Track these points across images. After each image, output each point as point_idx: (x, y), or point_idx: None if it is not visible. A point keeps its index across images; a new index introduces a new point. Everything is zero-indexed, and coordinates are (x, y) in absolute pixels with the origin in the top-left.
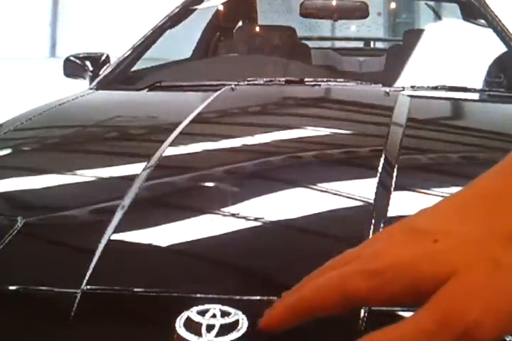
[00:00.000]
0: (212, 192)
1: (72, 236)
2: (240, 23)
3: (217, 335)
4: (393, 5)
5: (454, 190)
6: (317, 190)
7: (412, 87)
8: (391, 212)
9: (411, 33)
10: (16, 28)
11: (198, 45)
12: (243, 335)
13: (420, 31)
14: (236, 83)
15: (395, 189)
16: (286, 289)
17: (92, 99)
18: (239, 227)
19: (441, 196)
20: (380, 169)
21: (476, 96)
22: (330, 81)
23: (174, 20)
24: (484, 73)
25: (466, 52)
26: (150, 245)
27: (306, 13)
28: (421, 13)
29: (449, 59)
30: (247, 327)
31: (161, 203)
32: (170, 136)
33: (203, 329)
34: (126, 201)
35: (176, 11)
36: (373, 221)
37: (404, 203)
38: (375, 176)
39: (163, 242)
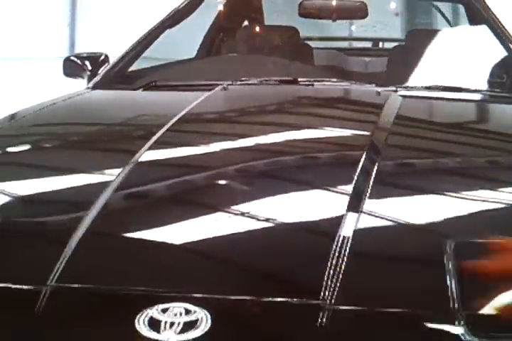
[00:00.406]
0: (189, 193)
1: (45, 235)
2: (246, 24)
3: (179, 333)
4: (411, 5)
5: (433, 188)
6: (294, 188)
7: (405, 87)
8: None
9: (414, 33)
10: (35, 28)
11: (202, 46)
12: (205, 333)
13: (423, 31)
14: (229, 83)
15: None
16: (251, 288)
17: (85, 98)
18: (206, 227)
19: (421, 194)
20: (355, 178)
21: (470, 96)
22: (324, 81)
23: (173, 19)
24: (485, 74)
25: (467, 53)
26: (121, 243)
27: (305, 13)
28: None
29: (449, 59)
30: (210, 326)
31: (135, 202)
32: (154, 135)
33: (164, 326)
34: (102, 200)
35: (175, 10)
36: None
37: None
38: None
39: (134, 241)
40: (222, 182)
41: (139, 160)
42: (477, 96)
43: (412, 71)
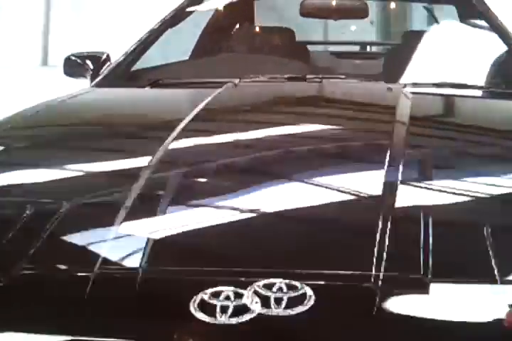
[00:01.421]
0: (219, 185)
1: (87, 222)
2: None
3: (230, 316)
4: (386, 14)
5: (459, 183)
6: (323, 184)
7: (414, 83)
8: (398, 204)
9: (409, 34)
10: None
11: (197, 46)
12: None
13: (418, 32)
14: (238, 80)
15: (402, 182)
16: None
17: (95, 96)
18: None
19: (446, 190)
20: (386, 163)
21: (476, 92)
22: (332, 78)
23: (176, 18)
24: (484, 71)
25: (464, 51)
26: (161, 228)
27: (306, 12)
28: (414, 21)
29: (446, 58)
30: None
31: (168, 191)
32: (173, 131)
33: (218, 310)
34: (136, 187)
35: (178, 9)
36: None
37: (410, 196)
38: (382, 169)
39: (175, 227)
40: (251, 175)
41: (162, 157)
42: (487, 94)
43: (417, 69)
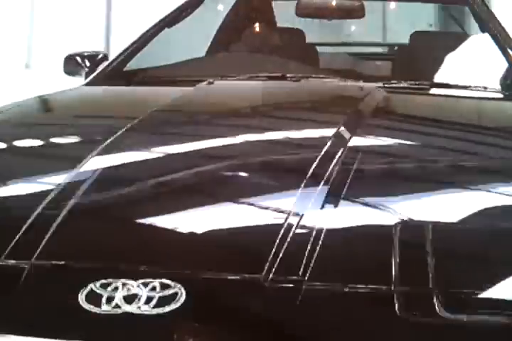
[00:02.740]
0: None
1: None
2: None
3: (115, 307)
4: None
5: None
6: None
7: (392, 82)
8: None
9: (417, 35)
10: None
11: (212, 45)
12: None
13: (426, 33)
14: (216, 78)
15: None
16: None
17: (70, 94)
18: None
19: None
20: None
21: (458, 92)
22: (311, 77)
23: (172, 19)
24: (482, 74)
25: (466, 53)
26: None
27: (301, 12)
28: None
29: (449, 59)
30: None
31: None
32: (121, 130)
33: (103, 300)
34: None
35: (175, 10)
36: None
37: None
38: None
39: (111, 221)
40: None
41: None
42: (466, 93)
43: (415, 70)
